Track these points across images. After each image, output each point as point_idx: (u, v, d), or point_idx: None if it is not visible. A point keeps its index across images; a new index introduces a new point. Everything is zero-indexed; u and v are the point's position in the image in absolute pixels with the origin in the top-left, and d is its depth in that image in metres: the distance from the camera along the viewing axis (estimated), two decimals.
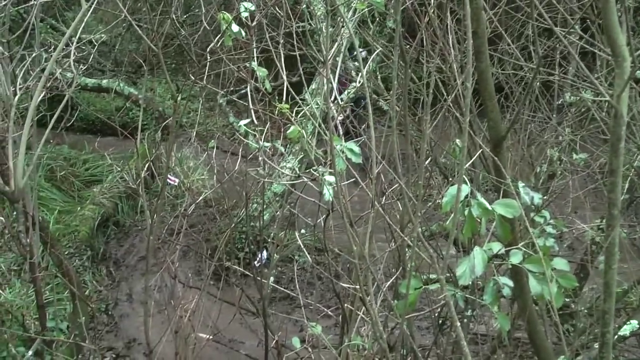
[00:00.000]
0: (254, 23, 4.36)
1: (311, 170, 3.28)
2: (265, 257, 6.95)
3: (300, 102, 3.68)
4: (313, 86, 7.86)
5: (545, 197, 4.82)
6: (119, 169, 9.18)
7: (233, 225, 6.80)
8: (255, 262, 6.50)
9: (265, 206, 7.02)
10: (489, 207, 2.54)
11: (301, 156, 7.66)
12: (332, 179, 3.07)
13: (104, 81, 10.67)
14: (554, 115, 5.38)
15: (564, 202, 5.79)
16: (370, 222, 3.16)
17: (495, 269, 2.71)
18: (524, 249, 2.63)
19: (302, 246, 4.36)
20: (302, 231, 6.56)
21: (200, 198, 7.38)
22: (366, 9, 3.80)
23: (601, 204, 6.28)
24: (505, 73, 4.97)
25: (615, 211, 2.44)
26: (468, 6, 2.49)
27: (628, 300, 5.62)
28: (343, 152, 3.07)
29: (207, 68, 4.83)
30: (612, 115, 2.31)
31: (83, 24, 4.42)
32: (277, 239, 5.64)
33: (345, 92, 7.66)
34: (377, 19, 7.16)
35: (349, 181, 3.50)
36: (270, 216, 7.66)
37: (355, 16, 6.11)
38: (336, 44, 4.91)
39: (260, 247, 6.74)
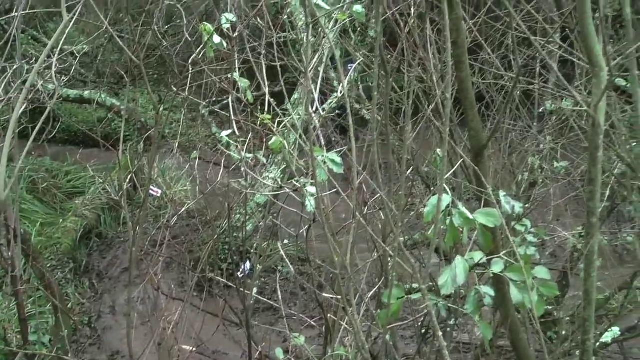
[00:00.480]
0: (236, 34, 4.37)
1: (293, 181, 3.27)
2: (249, 268, 6.92)
3: (281, 112, 3.69)
4: (295, 96, 7.87)
5: (526, 206, 4.84)
6: (102, 181, 9.13)
7: (216, 236, 6.78)
8: (239, 273, 6.49)
9: (248, 217, 7.01)
10: (471, 217, 2.55)
11: (283, 166, 7.65)
12: (313, 190, 3.06)
13: (86, 92, 10.63)
14: (535, 124, 5.40)
15: (546, 210, 5.82)
16: (352, 232, 3.16)
17: (477, 277, 2.72)
18: (506, 258, 2.64)
19: (285, 257, 4.35)
20: (285, 242, 6.55)
21: (183, 209, 7.34)
22: (347, 20, 3.81)
23: (582, 212, 6.31)
24: (486, 82, 5.00)
25: (595, 219, 2.46)
26: (447, 16, 2.51)
27: (610, 307, 5.63)
28: (325, 162, 3.07)
29: (189, 79, 4.83)
30: (590, 124, 2.33)
31: (65, 35, 4.41)
32: (260, 250, 5.62)
33: (327, 102, 7.66)
34: (359, 28, 7.18)
35: (330, 191, 3.49)
36: (253, 227, 7.64)
37: (337, 26, 6.13)
38: (318, 54, 4.92)
39: (243, 258, 6.72)
